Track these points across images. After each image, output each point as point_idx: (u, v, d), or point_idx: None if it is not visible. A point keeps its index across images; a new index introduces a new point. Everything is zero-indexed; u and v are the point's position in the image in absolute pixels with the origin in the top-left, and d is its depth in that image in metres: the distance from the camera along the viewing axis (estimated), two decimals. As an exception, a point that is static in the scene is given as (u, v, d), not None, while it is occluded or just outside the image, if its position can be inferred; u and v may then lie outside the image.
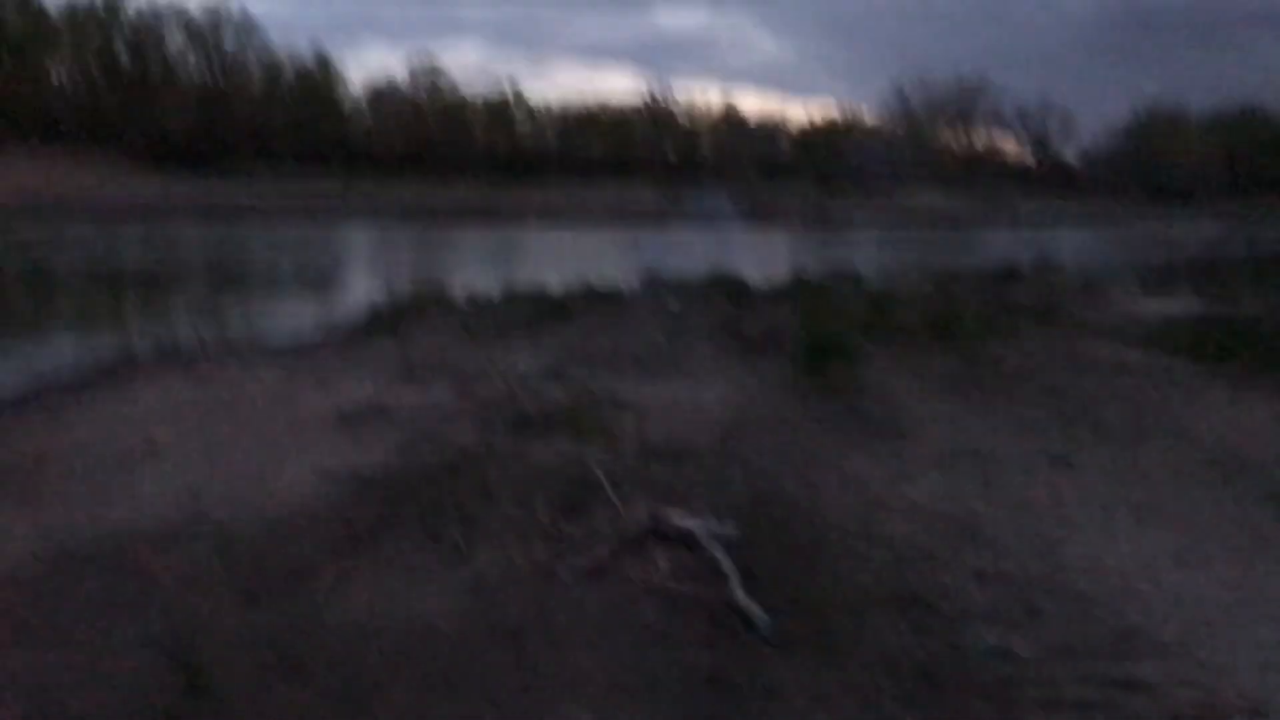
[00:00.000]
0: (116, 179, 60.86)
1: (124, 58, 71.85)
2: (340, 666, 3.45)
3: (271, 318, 16.02)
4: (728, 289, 16.49)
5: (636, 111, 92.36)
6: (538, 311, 13.72)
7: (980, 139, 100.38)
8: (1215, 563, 4.73)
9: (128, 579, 4.51)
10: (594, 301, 15.16)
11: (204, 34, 75.84)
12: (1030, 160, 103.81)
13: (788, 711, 3.24)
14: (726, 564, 4.16)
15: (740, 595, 3.91)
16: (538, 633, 3.67)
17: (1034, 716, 3.29)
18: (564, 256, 31.21)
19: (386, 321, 13.44)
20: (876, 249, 40.52)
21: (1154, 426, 7.49)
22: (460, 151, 77.63)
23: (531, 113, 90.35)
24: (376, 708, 3.19)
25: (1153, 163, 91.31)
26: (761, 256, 29.31)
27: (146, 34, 73.08)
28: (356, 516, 5.04)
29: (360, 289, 20.28)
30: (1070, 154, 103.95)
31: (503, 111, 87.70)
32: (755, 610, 3.82)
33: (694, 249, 30.22)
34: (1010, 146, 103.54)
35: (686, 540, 4.44)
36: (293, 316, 16.05)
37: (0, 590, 4.35)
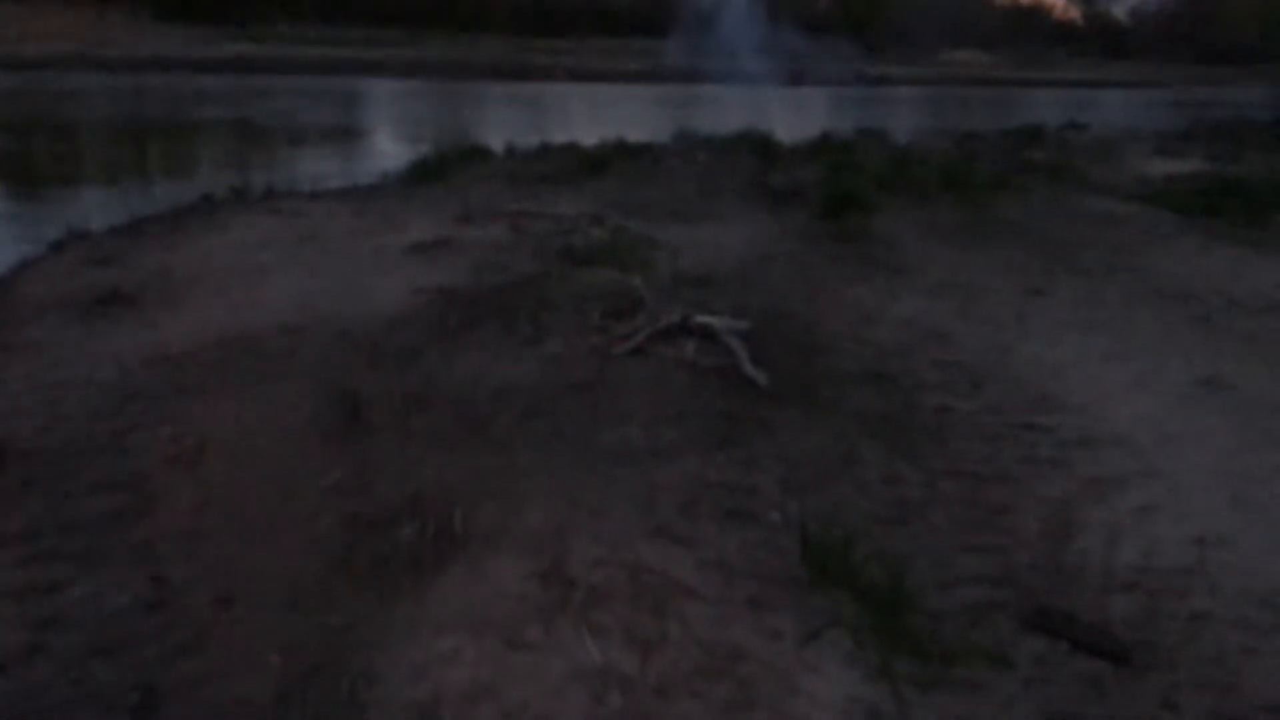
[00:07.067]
0: (140, 32, 60.74)
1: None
2: (457, 404, 4.76)
3: (319, 167, 17.02)
4: (757, 146, 17.29)
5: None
6: (576, 165, 14.66)
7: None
8: (1133, 359, 5.95)
9: (274, 358, 5.82)
10: (629, 156, 16.05)
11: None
12: (1078, 19, 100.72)
13: (778, 437, 4.53)
14: (738, 347, 5.40)
15: (748, 366, 5.18)
16: (598, 387, 4.97)
17: (956, 444, 4.58)
18: (597, 114, 31.75)
19: (434, 171, 14.45)
20: (909, 109, 40.58)
21: (1123, 266, 8.59)
22: (487, 5, 76.42)
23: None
24: (488, 426, 4.50)
25: (1205, 24, 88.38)
26: (793, 115, 29.74)
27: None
28: (446, 317, 6.30)
29: (398, 143, 21.24)
30: (1120, 12, 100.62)
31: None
32: (758, 375, 5.09)
33: (726, 108, 30.62)
34: (1057, 3, 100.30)
35: (708, 333, 5.67)
36: (342, 165, 17.15)
37: (184, 364, 5.67)
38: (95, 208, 12.46)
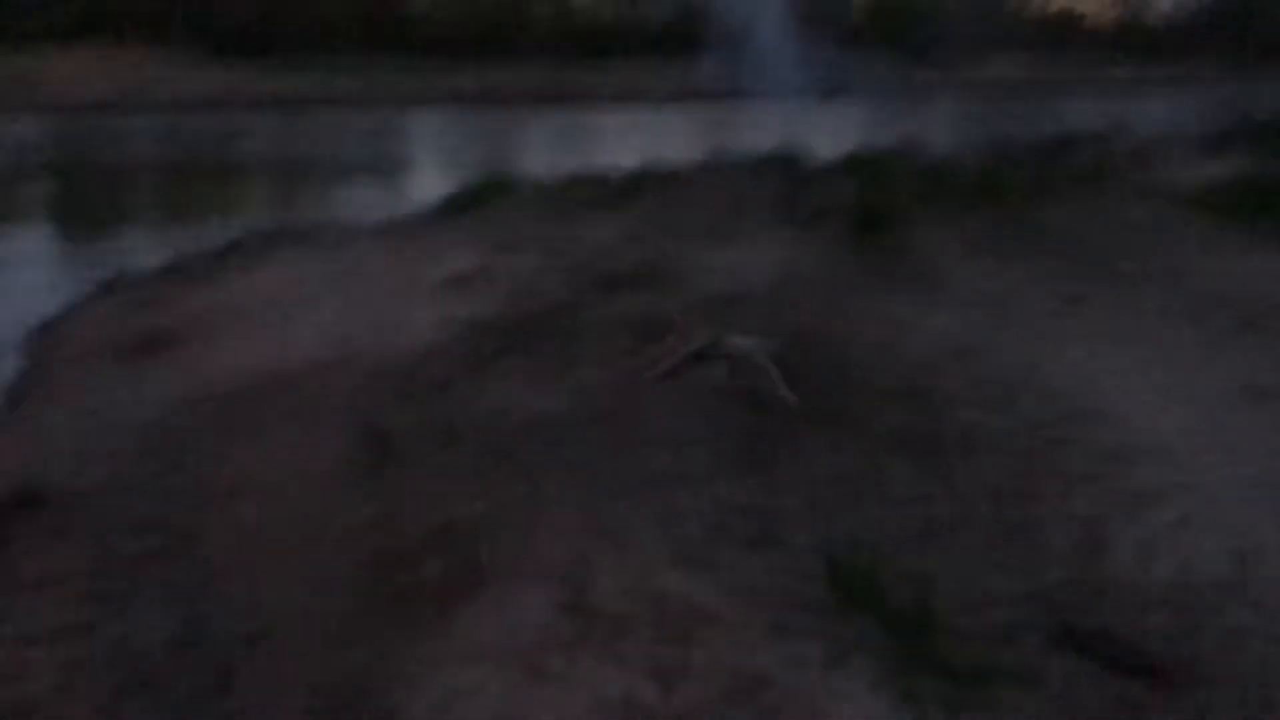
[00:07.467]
0: (181, 73, 62.02)
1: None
2: (486, 435, 4.80)
3: (357, 201, 17.27)
4: (790, 164, 17.24)
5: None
6: (611, 189, 14.71)
7: (1059, 1, 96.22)
8: (1171, 368, 5.86)
9: (309, 395, 5.91)
10: (664, 178, 16.05)
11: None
12: (1115, 21, 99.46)
13: (806, 458, 4.51)
14: (769, 368, 5.39)
15: (779, 387, 5.17)
16: (628, 412, 4.98)
17: (988, 460, 4.52)
18: (632, 137, 31.90)
19: (471, 201, 14.57)
20: (946, 119, 40.33)
21: (1161, 272, 8.45)
22: (521, 32, 77.22)
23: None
24: (516, 456, 4.53)
25: (1244, 22, 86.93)
26: (829, 130, 29.66)
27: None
28: (478, 347, 6.35)
29: (437, 173, 21.52)
30: (1155, 15, 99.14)
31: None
32: (790, 396, 5.08)
33: (764, 125, 30.59)
34: (1091, 8, 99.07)
35: (739, 354, 5.66)
36: (380, 198, 17.40)
37: (222, 404, 5.78)
38: (141, 249, 12.77)
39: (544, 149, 27.51)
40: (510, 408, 5.19)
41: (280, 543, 3.97)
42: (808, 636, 3.17)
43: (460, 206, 14.26)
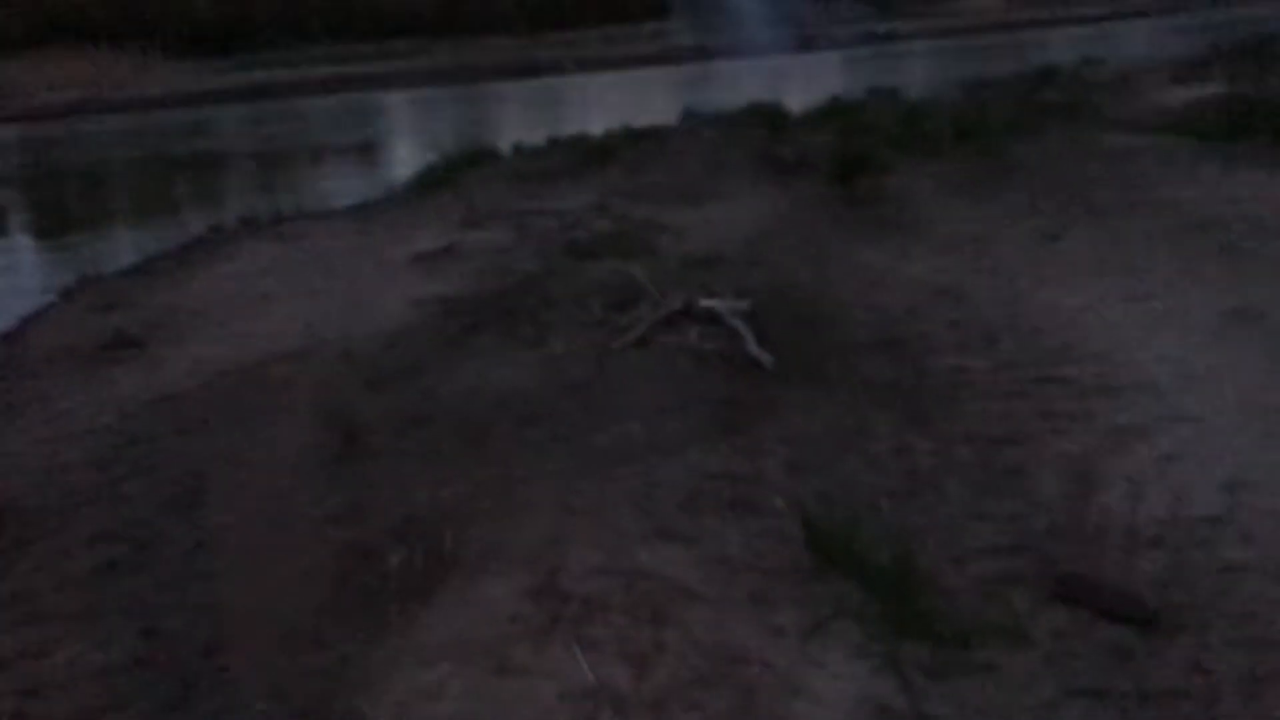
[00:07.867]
0: (152, 71, 61.43)
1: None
2: (455, 417, 4.66)
3: (331, 184, 17.03)
4: (766, 118, 16.97)
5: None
6: (582, 156, 14.49)
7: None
8: (1154, 298, 5.72)
9: (275, 388, 5.75)
10: (635, 141, 15.80)
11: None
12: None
13: (784, 418, 4.38)
14: (742, 328, 5.25)
15: (752, 347, 5.03)
16: (599, 383, 4.85)
17: (970, 405, 4.40)
18: (606, 102, 31.51)
19: (441, 178, 14.35)
20: (922, 63, 39.94)
21: (1141, 201, 8.29)
22: (493, 6, 76.31)
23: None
24: (486, 438, 4.39)
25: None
26: (804, 82, 29.30)
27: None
28: (447, 326, 6.20)
29: (409, 151, 21.26)
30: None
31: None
32: (763, 356, 4.94)
33: (737, 82, 30.23)
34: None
35: (711, 317, 5.52)
36: (351, 182, 17.15)
37: (185, 403, 5.62)
38: (110, 249, 12.56)
39: (516, 121, 27.18)
40: (480, 388, 5.05)
41: (242, 544, 3.83)
42: (786, 605, 3.05)
43: (429, 184, 14.04)
